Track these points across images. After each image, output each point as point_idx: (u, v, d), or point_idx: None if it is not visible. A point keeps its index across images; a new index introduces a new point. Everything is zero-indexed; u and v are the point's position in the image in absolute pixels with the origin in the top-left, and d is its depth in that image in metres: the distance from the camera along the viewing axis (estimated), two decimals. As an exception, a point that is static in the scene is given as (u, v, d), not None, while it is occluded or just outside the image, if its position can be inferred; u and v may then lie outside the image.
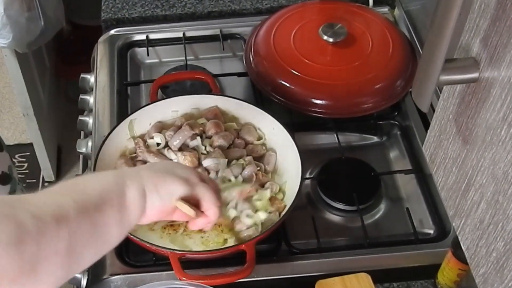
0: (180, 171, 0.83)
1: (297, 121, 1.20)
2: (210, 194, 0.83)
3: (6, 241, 0.58)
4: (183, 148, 1.09)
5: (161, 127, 1.12)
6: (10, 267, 0.58)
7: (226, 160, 1.07)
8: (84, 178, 0.75)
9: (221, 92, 1.25)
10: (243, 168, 1.06)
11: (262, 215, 1.01)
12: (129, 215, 0.74)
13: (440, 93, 0.61)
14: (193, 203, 0.82)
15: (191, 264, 0.98)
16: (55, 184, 0.71)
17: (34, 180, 2.30)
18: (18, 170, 2.33)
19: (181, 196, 0.80)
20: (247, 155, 1.09)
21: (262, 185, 1.05)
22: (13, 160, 2.30)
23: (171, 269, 0.94)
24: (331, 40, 1.22)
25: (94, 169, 1.01)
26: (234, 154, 1.09)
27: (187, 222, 0.90)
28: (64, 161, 2.35)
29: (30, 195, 0.66)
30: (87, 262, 0.69)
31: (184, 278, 0.92)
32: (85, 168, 1.31)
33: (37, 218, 0.61)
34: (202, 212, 0.84)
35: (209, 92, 1.21)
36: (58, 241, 0.62)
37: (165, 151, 1.08)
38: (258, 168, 1.07)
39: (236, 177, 1.06)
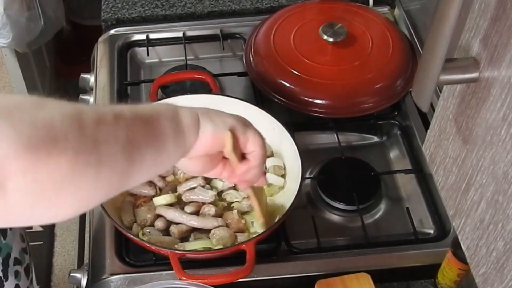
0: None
1: (297, 121, 1.20)
2: (258, 136, 0.81)
3: (65, 114, 0.58)
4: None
5: None
6: (71, 137, 0.58)
7: None
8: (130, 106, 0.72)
9: (221, 92, 1.25)
10: None
11: None
12: (184, 133, 0.73)
13: (440, 93, 0.61)
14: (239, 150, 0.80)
15: (191, 264, 0.98)
16: None
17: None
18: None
19: (233, 127, 0.78)
20: None
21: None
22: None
23: (171, 269, 0.94)
24: (331, 40, 1.22)
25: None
26: None
27: None
28: (64, 161, 2.34)
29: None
30: (144, 169, 0.67)
31: (184, 278, 0.92)
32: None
33: (95, 109, 0.62)
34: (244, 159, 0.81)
35: (209, 92, 1.21)
36: (116, 129, 0.63)
37: None
38: None
39: None
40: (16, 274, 1.03)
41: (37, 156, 0.55)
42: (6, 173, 0.54)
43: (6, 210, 0.57)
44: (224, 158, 0.81)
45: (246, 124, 0.81)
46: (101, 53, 1.36)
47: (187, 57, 1.33)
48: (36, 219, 0.63)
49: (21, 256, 1.05)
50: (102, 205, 0.97)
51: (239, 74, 1.31)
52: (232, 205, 1.05)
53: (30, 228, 2.01)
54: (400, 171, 1.17)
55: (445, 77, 0.51)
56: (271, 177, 1.07)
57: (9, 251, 1.01)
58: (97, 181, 0.61)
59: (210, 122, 0.76)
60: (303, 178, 1.02)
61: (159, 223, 1.01)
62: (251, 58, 1.28)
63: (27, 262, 1.08)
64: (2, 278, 1.00)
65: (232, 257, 0.99)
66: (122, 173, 0.64)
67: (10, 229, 1.02)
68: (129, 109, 0.67)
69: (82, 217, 1.28)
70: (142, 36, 1.39)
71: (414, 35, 1.31)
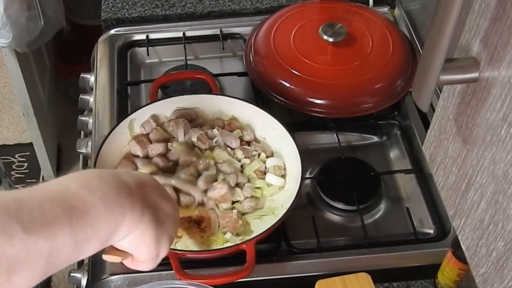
0: (171, 237, 0.79)
1: (297, 121, 1.20)
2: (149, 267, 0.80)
3: None
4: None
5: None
6: None
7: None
8: (90, 195, 0.68)
9: (221, 92, 1.25)
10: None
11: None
12: (110, 242, 0.72)
13: (440, 93, 0.61)
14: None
15: (191, 264, 0.98)
16: (63, 181, 0.68)
17: (34, 180, 2.30)
18: (18, 170, 2.33)
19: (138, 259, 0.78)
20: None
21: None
22: (13, 159, 2.31)
23: (171, 269, 0.94)
24: (331, 40, 1.22)
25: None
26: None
27: None
28: (64, 161, 2.35)
29: (31, 196, 0.63)
30: (58, 270, 0.66)
31: (184, 278, 0.92)
32: (85, 168, 1.31)
33: (27, 232, 0.59)
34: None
35: (209, 92, 1.21)
36: (39, 255, 0.61)
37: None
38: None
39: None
40: None
41: None
42: None
43: None
44: None
45: (159, 260, 0.79)
46: (101, 53, 1.36)
47: (187, 57, 1.33)
48: None
49: None
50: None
51: (239, 74, 1.31)
52: (233, 204, 1.05)
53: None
54: (400, 171, 1.17)
55: (445, 77, 0.51)
56: (271, 177, 1.07)
57: None
58: None
59: (130, 244, 0.74)
60: (303, 178, 1.02)
61: None
62: (251, 58, 1.28)
63: None
64: None
65: (232, 257, 0.99)
66: (33, 284, 0.63)
67: None
68: (68, 225, 0.63)
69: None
70: (142, 36, 1.39)
71: (414, 35, 1.31)
